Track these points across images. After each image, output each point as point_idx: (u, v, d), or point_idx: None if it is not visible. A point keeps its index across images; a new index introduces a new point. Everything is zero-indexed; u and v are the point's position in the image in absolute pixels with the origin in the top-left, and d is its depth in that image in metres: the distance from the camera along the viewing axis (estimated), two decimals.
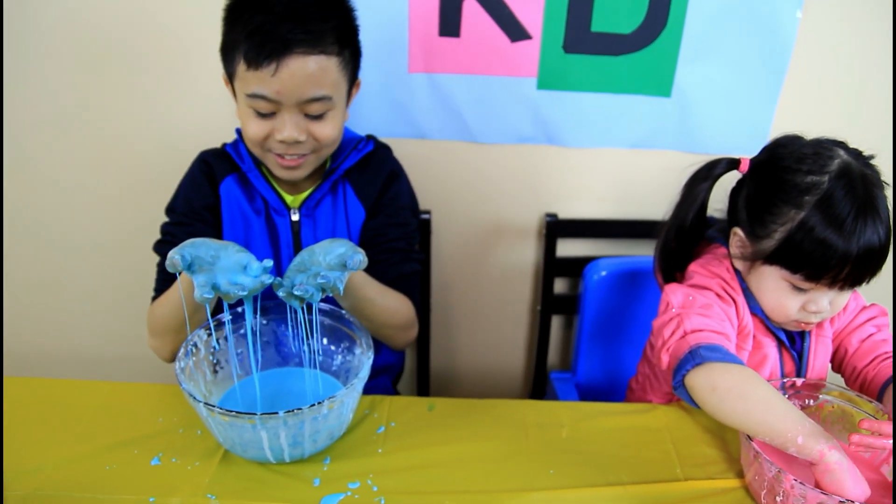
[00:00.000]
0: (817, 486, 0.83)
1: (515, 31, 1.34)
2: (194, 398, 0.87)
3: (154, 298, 1.13)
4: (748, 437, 0.88)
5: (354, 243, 1.16)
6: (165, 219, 1.16)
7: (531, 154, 1.46)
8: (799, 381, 1.02)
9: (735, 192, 1.06)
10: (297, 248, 1.17)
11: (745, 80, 1.41)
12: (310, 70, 0.98)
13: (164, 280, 1.12)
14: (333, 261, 0.94)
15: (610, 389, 1.45)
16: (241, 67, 0.99)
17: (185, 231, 1.12)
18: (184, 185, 1.18)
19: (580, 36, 1.36)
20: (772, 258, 0.97)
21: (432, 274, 1.53)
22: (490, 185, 1.48)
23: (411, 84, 1.39)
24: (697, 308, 0.99)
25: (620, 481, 0.93)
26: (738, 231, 1.02)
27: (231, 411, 0.85)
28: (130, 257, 1.50)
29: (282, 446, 0.90)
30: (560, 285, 1.54)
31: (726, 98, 1.43)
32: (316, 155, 1.09)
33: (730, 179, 1.07)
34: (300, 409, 0.86)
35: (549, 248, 1.47)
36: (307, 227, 1.16)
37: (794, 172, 0.94)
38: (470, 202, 1.47)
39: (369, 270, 1.07)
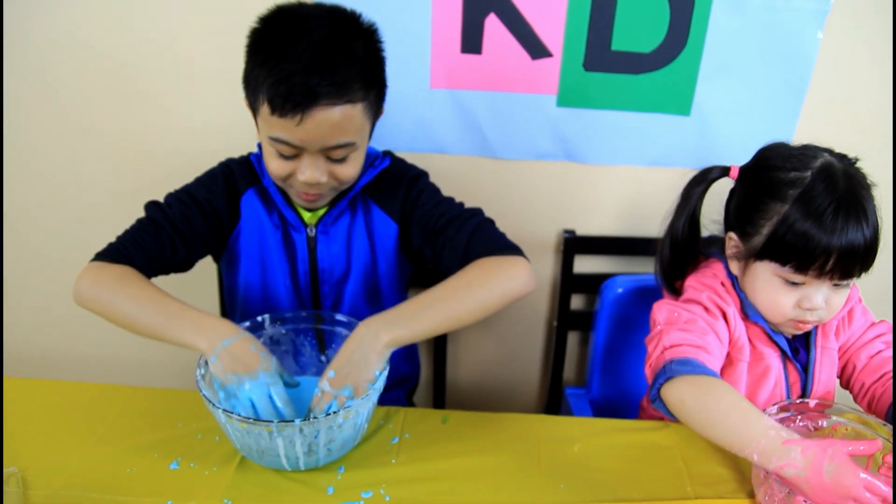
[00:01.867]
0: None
1: (536, 48, 1.36)
2: (213, 404, 0.89)
3: (117, 249, 1.07)
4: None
5: (386, 258, 1.20)
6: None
7: (550, 170, 1.47)
8: (812, 402, 1.02)
9: (728, 201, 1.10)
10: (313, 263, 1.18)
11: (764, 99, 1.42)
12: (335, 119, 0.98)
13: (136, 242, 1.07)
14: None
15: (624, 406, 1.45)
16: (265, 109, 0.98)
17: (181, 211, 1.11)
18: (204, 179, 1.17)
19: (600, 54, 1.37)
20: (762, 253, 1.00)
21: None
22: (509, 201, 1.50)
23: (433, 99, 1.42)
24: (681, 323, 1.02)
25: (631, 498, 0.94)
26: (732, 235, 1.06)
27: (249, 418, 0.88)
28: None
29: (297, 454, 0.91)
30: (577, 301, 1.54)
31: (745, 117, 1.43)
32: (337, 190, 1.11)
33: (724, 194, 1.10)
34: (316, 417, 0.88)
35: (567, 264, 1.48)
36: (323, 243, 1.17)
37: (780, 170, 0.99)
38: (489, 217, 1.48)
39: (445, 261, 1.11)
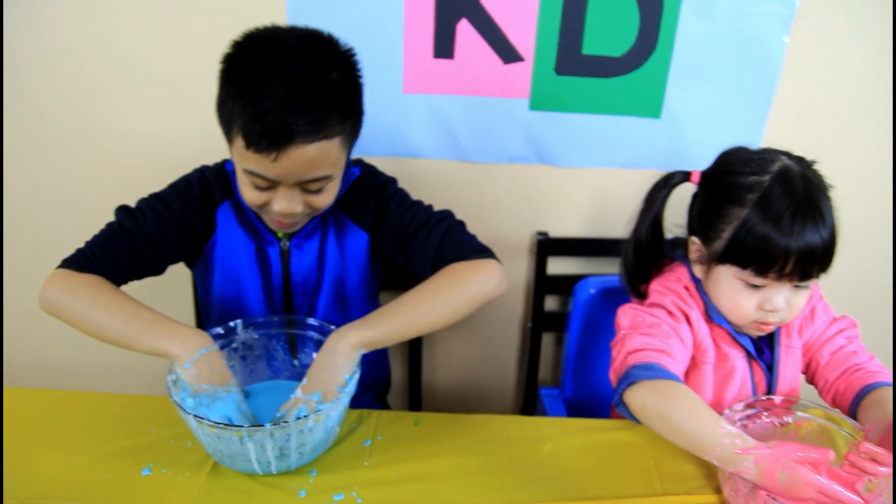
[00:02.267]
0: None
1: (508, 53, 1.38)
2: (184, 410, 0.89)
3: (86, 257, 1.05)
4: None
5: (358, 268, 1.20)
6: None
7: (523, 173, 1.49)
8: (777, 399, 1.04)
9: (691, 206, 1.11)
10: (286, 276, 1.18)
11: (733, 102, 1.44)
12: (311, 156, 0.97)
13: (106, 250, 1.06)
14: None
15: (598, 405, 1.46)
16: (240, 142, 0.96)
17: (155, 221, 1.09)
18: (180, 188, 1.15)
19: (572, 58, 1.39)
20: (723, 257, 1.02)
21: None
22: (483, 204, 1.51)
23: (406, 104, 1.42)
24: (644, 328, 1.04)
25: (600, 496, 0.95)
26: (695, 239, 1.07)
27: (219, 423, 0.88)
28: None
29: (269, 458, 0.92)
30: (551, 303, 1.56)
31: (715, 120, 1.45)
32: (311, 216, 1.11)
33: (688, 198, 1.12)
34: (286, 422, 0.88)
35: (540, 265, 1.50)
36: (296, 256, 1.17)
37: (739, 174, 1.00)
38: (463, 220, 1.50)
39: (417, 267, 1.11)
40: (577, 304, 1.41)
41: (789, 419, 1.04)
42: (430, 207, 1.18)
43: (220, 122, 1.01)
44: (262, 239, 1.16)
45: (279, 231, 1.13)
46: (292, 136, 0.93)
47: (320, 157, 0.98)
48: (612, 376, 1.02)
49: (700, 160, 1.47)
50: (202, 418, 0.88)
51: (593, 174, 1.49)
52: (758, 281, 1.00)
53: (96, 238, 1.08)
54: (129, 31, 1.35)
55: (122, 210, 1.11)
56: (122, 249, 1.07)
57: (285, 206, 1.02)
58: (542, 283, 1.51)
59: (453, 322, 1.05)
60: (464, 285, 1.06)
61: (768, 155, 1.02)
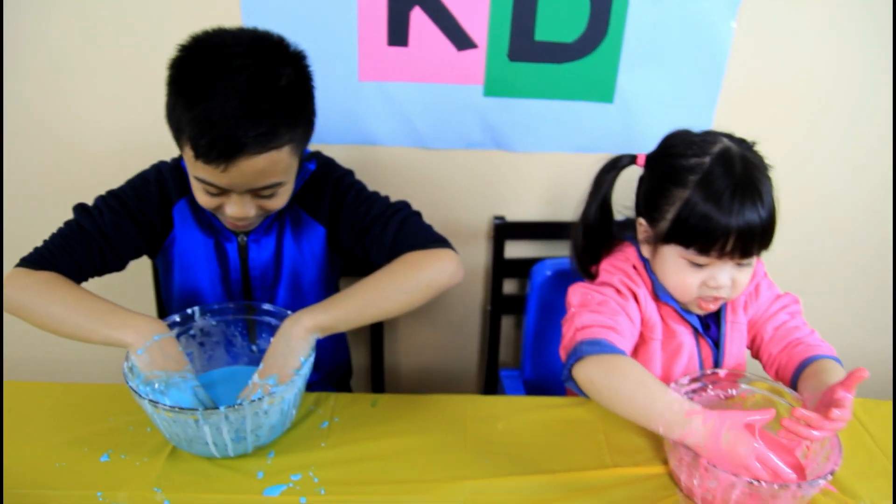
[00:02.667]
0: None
1: (461, 40, 1.39)
2: (139, 395, 0.91)
3: (43, 256, 1.06)
4: None
5: (315, 261, 1.21)
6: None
7: (479, 159, 1.51)
8: (722, 372, 1.08)
9: (638, 188, 1.15)
10: (245, 271, 1.19)
11: (684, 85, 1.47)
12: (261, 167, 0.98)
13: (64, 249, 1.07)
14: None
15: (556, 385, 1.49)
16: (189, 151, 0.97)
17: (112, 219, 1.10)
18: (137, 185, 1.15)
19: (524, 44, 1.41)
20: (668, 237, 1.05)
21: None
22: (440, 190, 1.53)
23: (362, 92, 1.44)
24: (593, 305, 1.07)
25: (551, 469, 0.98)
26: (641, 220, 1.11)
27: (174, 407, 0.89)
28: None
29: (225, 441, 0.94)
30: (510, 286, 1.59)
31: (667, 103, 1.49)
32: (266, 216, 1.13)
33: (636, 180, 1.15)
34: (241, 404, 0.90)
35: (498, 249, 1.52)
36: (254, 251, 1.18)
37: (681, 157, 1.04)
38: (421, 206, 1.51)
39: (374, 258, 1.14)
40: (534, 286, 1.44)
41: (734, 392, 1.08)
42: (386, 198, 1.20)
43: (169, 126, 1.01)
44: (220, 235, 1.17)
45: (235, 230, 1.15)
46: (241, 149, 0.94)
47: (270, 166, 0.99)
48: (562, 353, 1.05)
49: (652, 143, 1.50)
50: (157, 403, 0.89)
51: (548, 159, 1.51)
52: (701, 259, 1.04)
53: (54, 237, 1.09)
54: (86, 22, 1.35)
55: (80, 209, 1.11)
56: (80, 248, 1.08)
57: (238, 211, 1.04)
58: (500, 267, 1.53)
59: (408, 310, 1.07)
60: (419, 274, 1.08)
61: (710, 137, 1.06)
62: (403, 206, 1.19)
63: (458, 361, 1.75)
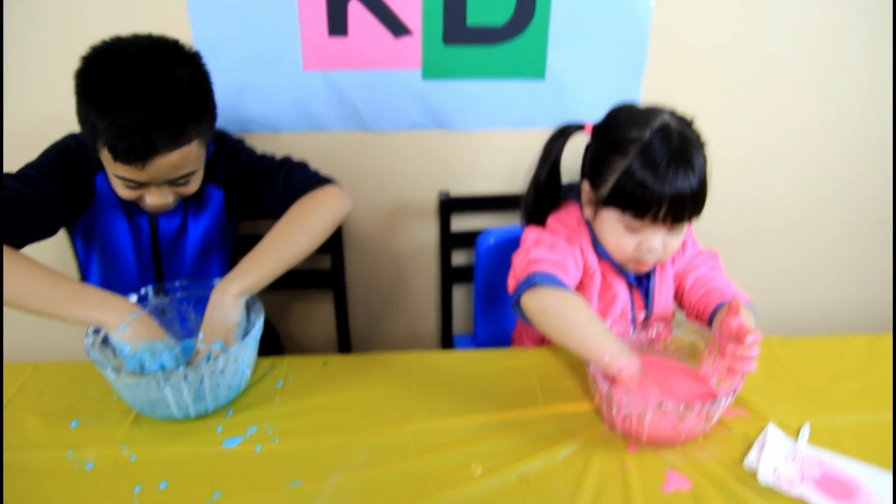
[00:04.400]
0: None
1: (397, 27, 1.48)
2: (101, 364, 0.98)
3: None
4: (588, 362, 1.03)
5: (215, 221, 1.31)
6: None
7: (422, 139, 1.60)
8: (649, 318, 1.18)
9: (584, 154, 1.23)
10: (154, 240, 1.29)
11: (610, 61, 1.57)
12: (175, 161, 1.09)
13: (10, 219, 1.08)
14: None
15: (505, 345, 1.58)
16: (107, 154, 1.06)
17: (46, 182, 1.13)
18: (60, 151, 1.19)
19: (457, 29, 1.50)
20: (607, 201, 1.13)
21: (345, 257, 1.66)
22: (388, 171, 1.62)
23: (307, 81, 1.52)
24: (546, 244, 1.16)
25: (487, 410, 1.07)
26: (585, 183, 1.19)
27: (136, 372, 0.97)
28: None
29: (186, 402, 1.02)
30: (459, 258, 1.67)
31: (595, 78, 1.58)
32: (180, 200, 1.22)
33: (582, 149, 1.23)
34: (198, 364, 0.98)
35: (444, 223, 1.61)
36: (163, 223, 1.28)
37: (624, 129, 1.12)
38: (371, 187, 1.60)
39: (271, 209, 1.25)
40: (480, 254, 1.53)
41: (653, 333, 1.18)
42: (272, 157, 1.32)
43: (82, 129, 1.09)
44: (132, 210, 1.26)
45: (152, 212, 1.24)
46: (156, 150, 1.05)
47: (182, 159, 1.10)
48: (511, 282, 1.14)
49: (584, 115, 1.60)
50: (119, 370, 0.97)
51: (487, 135, 1.61)
52: (636, 224, 1.12)
53: None
54: (37, 21, 1.41)
55: (10, 177, 1.12)
56: (22, 212, 1.09)
57: (157, 201, 1.15)
58: (448, 240, 1.62)
59: (316, 246, 1.20)
60: (313, 214, 1.21)
61: (652, 112, 1.13)
62: (287, 160, 1.32)
63: (419, 331, 1.84)
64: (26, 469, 0.96)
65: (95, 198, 1.24)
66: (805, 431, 1.02)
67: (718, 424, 1.05)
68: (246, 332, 1.10)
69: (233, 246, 1.43)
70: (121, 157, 1.05)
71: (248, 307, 1.13)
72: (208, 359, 1.02)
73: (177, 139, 1.07)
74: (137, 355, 1.03)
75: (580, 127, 1.22)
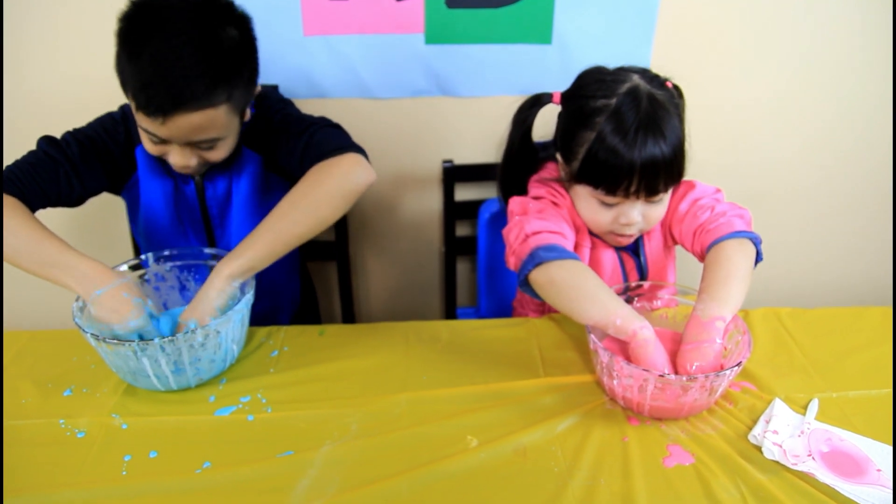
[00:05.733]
0: (633, 359, 0.96)
1: None
2: (83, 330, 0.97)
3: (9, 179, 1.07)
4: (590, 332, 1.00)
5: (260, 187, 1.26)
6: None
7: (426, 106, 1.56)
8: (646, 285, 1.14)
9: (557, 124, 1.18)
10: (203, 209, 1.26)
11: (619, 24, 1.52)
12: (197, 123, 1.04)
13: (31, 175, 1.09)
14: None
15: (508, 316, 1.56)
16: (132, 102, 1.04)
17: (79, 150, 1.14)
18: (106, 123, 1.20)
19: None
20: (578, 177, 1.10)
21: (349, 227, 1.63)
22: (390, 138, 1.58)
23: (308, 47, 1.48)
24: (534, 213, 1.12)
25: (485, 381, 1.05)
26: (559, 157, 1.15)
27: (113, 340, 0.95)
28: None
29: (165, 373, 1.00)
30: (463, 228, 1.64)
31: (603, 41, 1.53)
32: (209, 165, 1.17)
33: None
34: (174, 336, 0.96)
35: (448, 193, 1.57)
36: (210, 190, 1.24)
37: (590, 99, 1.07)
38: (373, 155, 1.55)
39: (294, 172, 1.16)
40: (482, 224, 1.50)
41: (658, 303, 1.15)
42: (310, 117, 1.24)
43: (117, 76, 1.07)
44: (178, 178, 1.23)
45: (183, 173, 1.20)
46: (176, 105, 1.01)
47: (206, 123, 1.05)
48: (512, 260, 1.11)
49: None
50: (99, 336, 0.95)
51: (492, 102, 1.56)
52: (610, 199, 1.09)
53: (19, 163, 1.11)
54: None
55: (47, 139, 1.15)
56: (47, 176, 1.11)
57: (178, 161, 1.11)
58: (452, 210, 1.59)
59: (324, 225, 1.11)
60: (322, 187, 1.10)
61: (620, 76, 1.08)
62: (320, 121, 1.23)
63: (422, 303, 1.82)
64: (19, 437, 0.95)
65: (138, 171, 1.21)
66: (813, 406, 0.99)
67: (723, 398, 1.02)
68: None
69: None
70: (142, 106, 1.02)
71: (246, 283, 1.09)
72: (187, 330, 0.99)
73: (201, 100, 1.02)
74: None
75: (550, 96, 1.17)
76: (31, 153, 1.13)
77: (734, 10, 1.52)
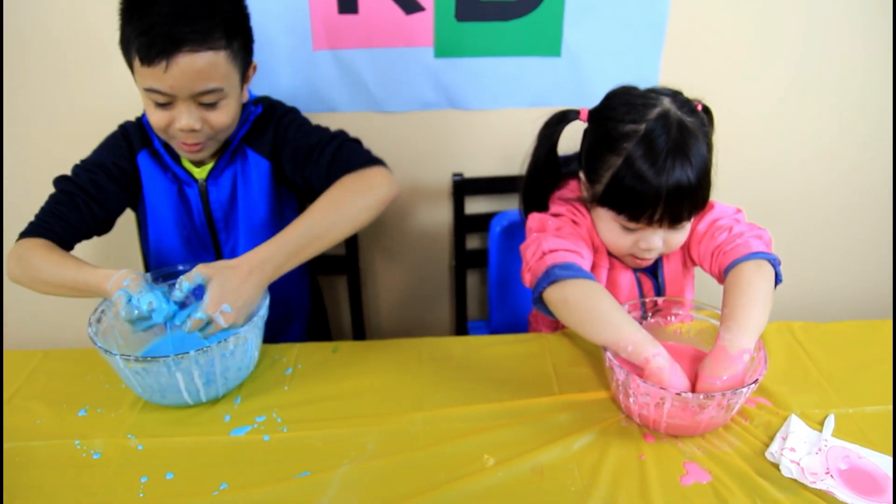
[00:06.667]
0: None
1: (409, 4, 1.44)
2: (109, 352, 0.97)
3: (37, 225, 1.14)
4: (605, 350, 1.00)
5: (264, 196, 1.27)
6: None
7: (435, 119, 1.56)
8: (661, 301, 1.14)
9: (582, 142, 1.17)
10: (207, 213, 1.27)
11: (628, 36, 1.52)
12: (199, 66, 1.06)
13: (54, 214, 1.16)
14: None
15: (521, 330, 1.55)
16: (137, 63, 1.07)
17: (88, 177, 1.19)
18: (107, 144, 1.25)
19: (470, 5, 1.45)
20: (602, 200, 1.09)
21: (359, 240, 1.63)
22: (400, 152, 1.58)
23: (317, 61, 1.49)
24: (553, 230, 1.12)
25: (500, 399, 1.05)
26: (582, 176, 1.14)
27: (146, 357, 0.95)
28: None
29: (197, 386, 1.00)
30: (473, 241, 1.64)
31: (613, 54, 1.53)
32: (215, 140, 1.18)
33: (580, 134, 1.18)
34: (209, 346, 0.96)
35: (458, 206, 1.57)
36: (213, 194, 1.25)
37: (619, 122, 1.06)
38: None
39: (315, 186, 1.19)
40: (493, 238, 1.50)
41: (673, 319, 1.14)
42: (326, 129, 1.25)
43: (123, 56, 1.11)
44: (181, 181, 1.25)
45: (190, 158, 1.21)
46: (178, 44, 1.04)
47: (209, 67, 1.07)
48: (528, 276, 1.10)
49: (601, 94, 1.54)
50: (129, 356, 0.95)
51: (502, 115, 1.57)
52: (631, 225, 1.08)
53: (43, 208, 1.18)
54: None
55: (59, 179, 1.21)
56: (68, 210, 1.16)
57: (185, 122, 1.11)
58: (462, 223, 1.59)
59: (352, 231, 1.13)
60: (354, 195, 1.13)
61: (650, 99, 1.06)
62: (339, 134, 1.25)
63: (433, 316, 1.82)
64: (34, 458, 0.95)
65: (141, 178, 1.24)
66: (830, 422, 0.99)
67: (739, 414, 1.01)
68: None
69: None
70: (145, 55, 1.04)
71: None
72: (218, 339, 0.99)
73: (201, 38, 1.05)
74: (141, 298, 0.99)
75: (577, 114, 1.16)
76: (50, 196, 1.19)
77: (743, 22, 1.52)
